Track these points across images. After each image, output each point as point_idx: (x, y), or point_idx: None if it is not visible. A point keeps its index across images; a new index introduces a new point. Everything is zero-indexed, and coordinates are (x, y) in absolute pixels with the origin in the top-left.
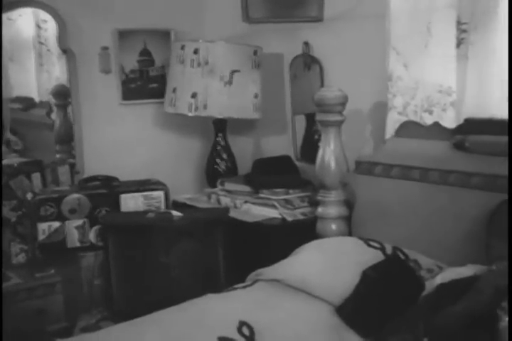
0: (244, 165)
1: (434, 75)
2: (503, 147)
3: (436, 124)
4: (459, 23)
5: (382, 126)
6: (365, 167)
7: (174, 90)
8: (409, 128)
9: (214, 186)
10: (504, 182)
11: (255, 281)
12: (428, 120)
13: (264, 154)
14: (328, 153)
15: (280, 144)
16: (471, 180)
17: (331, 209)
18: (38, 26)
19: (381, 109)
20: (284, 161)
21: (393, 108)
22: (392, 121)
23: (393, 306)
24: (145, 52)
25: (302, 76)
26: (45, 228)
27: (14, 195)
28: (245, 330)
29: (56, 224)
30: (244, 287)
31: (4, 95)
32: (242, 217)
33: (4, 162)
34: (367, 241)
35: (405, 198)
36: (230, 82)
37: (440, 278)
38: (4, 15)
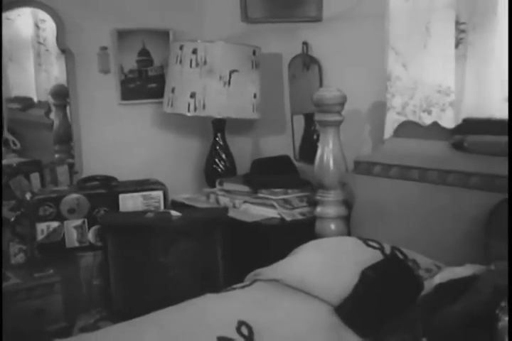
0: (243, 165)
1: (432, 75)
2: (501, 147)
3: (435, 124)
4: (457, 23)
5: (380, 126)
6: (363, 167)
7: (173, 90)
8: (407, 128)
9: (213, 186)
10: (503, 182)
11: (254, 281)
12: (427, 120)
13: (263, 154)
14: (327, 153)
15: (279, 144)
16: (469, 180)
17: (329, 209)
18: (37, 26)
19: (380, 109)
20: (282, 161)
21: (392, 108)
22: (391, 121)
23: (392, 306)
24: (144, 52)
25: (301, 76)
26: (43, 228)
27: (13, 194)
28: (244, 330)
29: (55, 224)
30: (243, 287)
31: (3, 95)
32: (241, 216)
33: (3, 162)
34: (366, 241)
35: (404, 198)
36: (228, 82)
37: (439, 278)
38: (3, 15)
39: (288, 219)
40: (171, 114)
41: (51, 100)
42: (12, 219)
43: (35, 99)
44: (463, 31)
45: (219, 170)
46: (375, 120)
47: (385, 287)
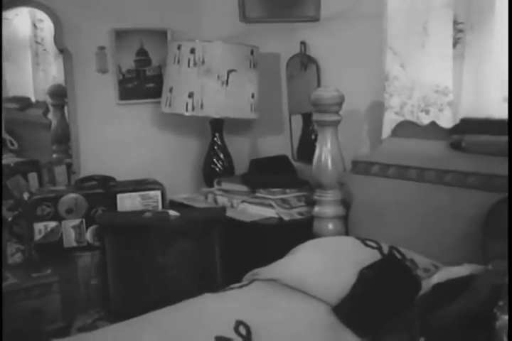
0: (241, 165)
1: (430, 75)
2: (499, 147)
3: (433, 124)
4: (455, 22)
5: (378, 126)
6: (361, 167)
7: (171, 90)
8: (405, 128)
9: (211, 186)
10: (501, 181)
11: (252, 281)
12: (425, 120)
13: (261, 154)
14: (325, 152)
15: (277, 144)
16: (467, 180)
17: (327, 208)
18: (35, 26)
19: (378, 108)
20: (280, 161)
21: (390, 108)
22: (389, 121)
23: (390, 306)
24: (142, 52)
25: (299, 76)
26: (41, 228)
27: (11, 194)
28: (242, 330)
29: (53, 224)
30: (241, 286)
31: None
32: (239, 216)
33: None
34: (364, 241)
35: (402, 198)
36: (226, 82)
37: (437, 278)
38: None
39: (286, 218)
40: (168, 113)
41: (49, 100)
42: (10, 219)
43: (33, 99)
44: (461, 31)
45: (217, 169)
46: (373, 120)
47: (383, 287)
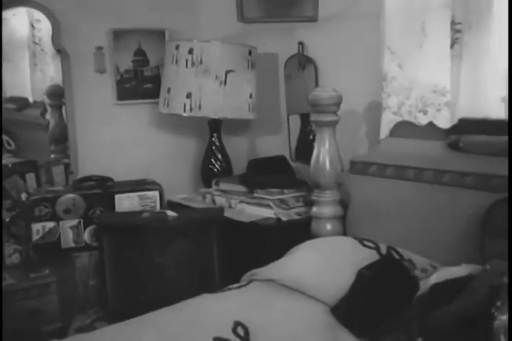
0: (239, 166)
1: (428, 75)
2: (497, 147)
3: (431, 124)
4: (453, 23)
5: (376, 126)
6: (359, 167)
7: (169, 90)
8: (403, 128)
9: (209, 186)
10: (499, 181)
11: (250, 281)
12: (422, 120)
13: (259, 154)
14: (323, 153)
15: (275, 144)
16: (465, 180)
17: (325, 209)
18: (32, 26)
19: (376, 109)
20: (278, 161)
21: (388, 108)
22: (387, 121)
23: (388, 306)
24: (140, 52)
25: (297, 76)
26: (39, 228)
27: (8, 195)
28: (240, 330)
29: (50, 225)
30: (239, 287)
31: None
32: (237, 216)
33: None
34: (362, 241)
35: (400, 198)
36: (224, 82)
37: (435, 278)
38: None
39: (284, 219)
40: (166, 114)
41: (47, 100)
42: (7, 220)
43: (31, 99)
44: (458, 31)
45: (215, 170)
46: (371, 120)
47: (381, 287)
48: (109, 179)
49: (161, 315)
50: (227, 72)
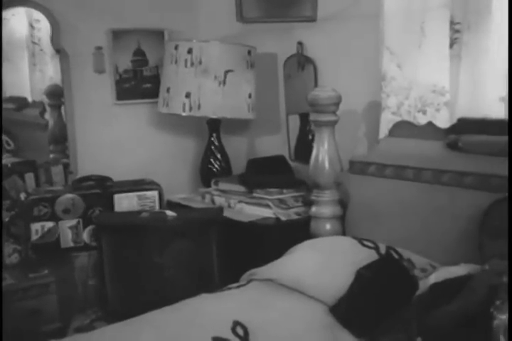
0: (239, 165)
1: (427, 75)
2: (496, 147)
3: (430, 124)
4: (452, 23)
5: (375, 126)
6: (358, 167)
7: (168, 90)
8: (402, 128)
9: (208, 186)
10: (498, 181)
11: (249, 281)
12: (422, 120)
13: (258, 154)
14: (322, 152)
15: (274, 144)
16: (464, 180)
17: (324, 208)
18: (31, 26)
19: (375, 108)
20: (278, 161)
21: (387, 108)
22: (386, 121)
23: (387, 306)
24: (139, 52)
25: (296, 76)
26: (38, 228)
27: (8, 195)
28: (239, 330)
29: (50, 224)
30: (238, 287)
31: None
32: (236, 216)
33: None
34: (361, 241)
35: (399, 198)
36: (223, 82)
37: (434, 278)
38: None
39: (283, 218)
40: (166, 114)
41: (46, 100)
42: (7, 220)
43: (30, 99)
44: (457, 31)
45: (214, 170)
46: (370, 120)
47: (380, 287)
48: (108, 179)
49: (160, 315)
50: (226, 72)
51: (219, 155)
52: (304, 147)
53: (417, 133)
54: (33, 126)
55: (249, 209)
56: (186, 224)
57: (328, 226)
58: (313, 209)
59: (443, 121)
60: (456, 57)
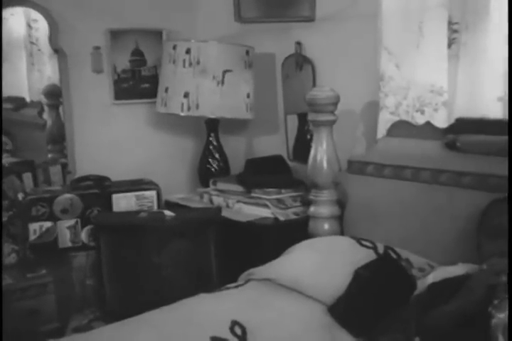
0: (237, 165)
1: (425, 75)
2: (494, 146)
3: (428, 124)
4: (450, 23)
5: (374, 126)
6: (357, 166)
7: (166, 90)
8: (401, 128)
9: (206, 186)
10: (496, 181)
11: (247, 281)
12: (420, 120)
13: (256, 154)
14: (321, 152)
15: (272, 144)
16: (462, 180)
17: (323, 208)
18: (29, 26)
19: (373, 108)
20: (276, 161)
21: (385, 108)
22: (384, 121)
23: (385, 305)
24: (137, 52)
25: (294, 76)
26: (36, 228)
27: (5, 195)
28: (237, 330)
29: (48, 224)
30: (237, 286)
31: None
32: (235, 216)
33: None
34: (359, 241)
35: (397, 198)
36: (222, 82)
37: (432, 277)
38: None
39: (281, 218)
40: (164, 113)
41: (44, 100)
42: (4, 220)
43: (28, 99)
44: (455, 31)
45: (212, 169)
46: (368, 120)
47: (378, 286)
48: (107, 179)
49: (159, 315)
50: (224, 72)
51: (217, 155)
52: (302, 147)
53: (415, 133)
54: (31, 126)
55: (248, 209)
56: (184, 224)
57: (326, 226)
58: (312, 209)
59: (441, 121)
60: (454, 57)
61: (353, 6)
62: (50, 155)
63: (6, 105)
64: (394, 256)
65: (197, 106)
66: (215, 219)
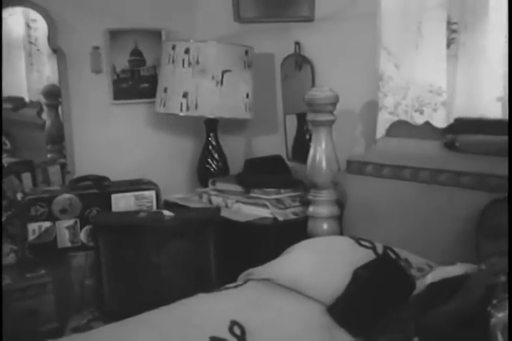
0: (236, 165)
1: (424, 75)
2: (493, 146)
3: (427, 124)
4: (449, 23)
5: (373, 126)
6: (356, 166)
7: (165, 90)
8: (400, 128)
9: (205, 186)
10: (495, 181)
11: (246, 281)
12: (419, 120)
13: (255, 154)
14: (320, 152)
15: (271, 144)
16: (461, 180)
17: (322, 208)
18: (28, 26)
19: (372, 108)
20: (275, 161)
21: (384, 108)
22: (383, 121)
23: (384, 305)
24: (136, 52)
25: (293, 76)
26: (35, 228)
27: (4, 195)
28: (236, 330)
29: (47, 224)
30: (236, 286)
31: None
32: (234, 216)
33: None
34: (358, 241)
35: (396, 198)
36: (221, 82)
37: (431, 277)
38: None
39: (280, 218)
40: (163, 113)
41: (43, 100)
42: (4, 220)
43: (27, 99)
44: (454, 31)
45: (212, 169)
46: (368, 120)
47: (377, 286)
48: (106, 179)
49: (158, 315)
50: (223, 72)
51: (216, 155)
52: (301, 147)
53: (414, 133)
54: (31, 126)
55: (247, 209)
56: (184, 224)
57: (325, 226)
58: (311, 209)
59: (440, 121)
60: (453, 57)
61: (352, 6)
62: (49, 155)
63: (5, 105)
64: (393, 256)
65: (196, 106)
66: (214, 219)
